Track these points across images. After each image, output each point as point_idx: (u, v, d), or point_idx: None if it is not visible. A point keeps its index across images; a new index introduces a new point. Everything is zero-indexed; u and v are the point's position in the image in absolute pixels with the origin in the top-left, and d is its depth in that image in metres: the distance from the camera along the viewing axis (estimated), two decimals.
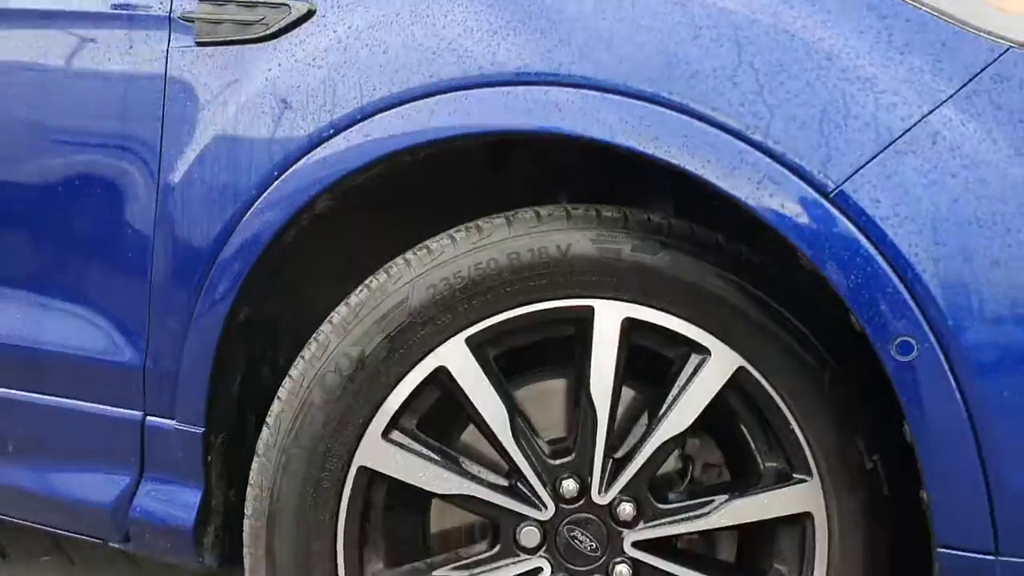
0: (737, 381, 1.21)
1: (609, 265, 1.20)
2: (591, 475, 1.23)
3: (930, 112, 1.05)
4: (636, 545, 1.24)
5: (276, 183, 1.29)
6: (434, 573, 1.25)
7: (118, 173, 1.41)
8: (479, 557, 1.25)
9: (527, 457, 1.23)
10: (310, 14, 1.29)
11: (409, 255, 1.24)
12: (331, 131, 1.26)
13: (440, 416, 1.29)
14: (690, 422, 1.22)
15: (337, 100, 1.25)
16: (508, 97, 1.17)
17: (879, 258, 1.05)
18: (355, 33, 1.26)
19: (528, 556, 1.24)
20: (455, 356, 1.22)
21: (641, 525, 1.24)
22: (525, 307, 1.22)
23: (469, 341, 1.22)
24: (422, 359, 1.22)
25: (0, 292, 1.51)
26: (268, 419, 1.25)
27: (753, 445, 1.25)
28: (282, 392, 1.25)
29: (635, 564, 1.24)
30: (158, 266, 1.38)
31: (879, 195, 1.05)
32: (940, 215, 1.04)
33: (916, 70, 1.06)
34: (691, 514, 1.23)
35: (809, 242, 1.07)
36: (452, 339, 1.22)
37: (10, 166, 1.50)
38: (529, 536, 1.24)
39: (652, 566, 1.24)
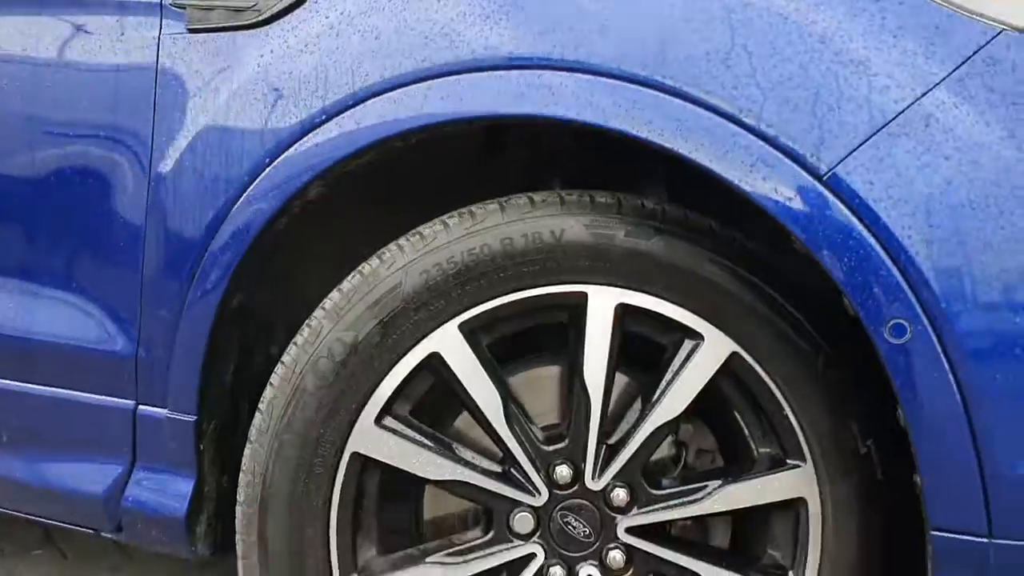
0: (730, 367, 1.21)
1: (603, 251, 1.20)
2: (584, 461, 1.23)
3: (923, 95, 1.05)
4: (630, 531, 1.24)
5: (268, 170, 1.28)
6: (427, 559, 1.25)
7: (109, 161, 1.40)
8: (472, 543, 1.25)
9: (520, 443, 1.23)
10: (302, 0, 1.28)
11: (402, 241, 1.24)
12: (323, 117, 1.25)
13: (433, 403, 1.29)
14: (683, 408, 1.22)
15: (329, 86, 1.25)
16: (501, 82, 1.16)
17: (872, 240, 1.04)
18: (347, 19, 1.25)
19: (521, 542, 1.24)
20: (448, 342, 1.22)
21: (635, 511, 1.23)
22: (518, 293, 1.22)
23: (462, 327, 1.22)
24: (415, 345, 1.22)
25: None
26: (260, 405, 1.25)
27: (746, 431, 1.25)
28: (274, 378, 1.25)
29: (628, 550, 1.24)
30: (150, 254, 1.37)
31: (872, 178, 1.05)
32: (933, 197, 1.04)
33: (909, 53, 1.06)
34: (684, 500, 1.23)
35: (802, 225, 1.07)
36: (445, 325, 1.22)
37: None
38: (522, 522, 1.24)
39: (645, 552, 1.24)
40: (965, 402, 1.03)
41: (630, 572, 1.24)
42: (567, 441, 1.24)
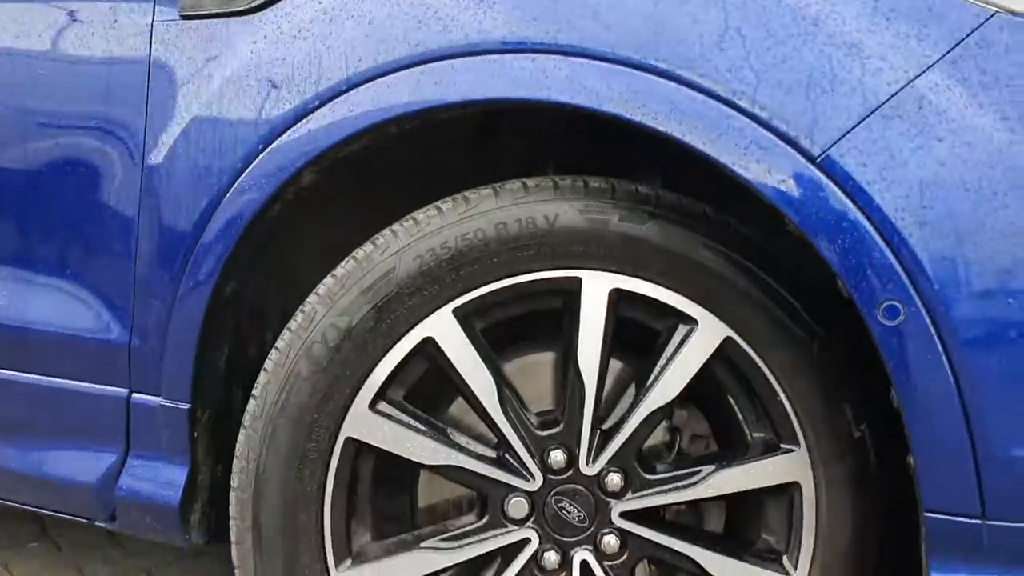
0: (724, 351, 1.21)
1: (597, 236, 1.20)
2: (579, 446, 1.23)
3: (916, 77, 1.05)
4: (624, 515, 1.24)
5: (261, 156, 1.28)
6: (422, 544, 1.25)
7: (102, 149, 1.40)
8: (467, 528, 1.25)
9: (515, 428, 1.23)
10: None
11: (396, 226, 1.24)
12: (317, 103, 1.25)
13: (428, 389, 1.29)
14: (677, 392, 1.22)
15: (323, 72, 1.25)
16: (494, 66, 1.16)
17: (865, 222, 1.05)
18: (340, 4, 1.25)
19: (516, 527, 1.24)
20: (442, 327, 1.22)
21: (629, 495, 1.23)
22: (512, 278, 1.22)
23: (456, 312, 1.22)
24: (409, 330, 1.22)
25: None
26: (254, 391, 1.25)
27: (740, 416, 1.25)
28: (268, 364, 1.24)
29: (623, 534, 1.24)
30: (143, 244, 1.37)
31: (865, 160, 1.05)
32: (926, 179, 1.04)
33: (903, 35, 1.06)
34: (679, 484, 1.23)
35: (795, 207, 1.07)
36: (439, 310, 1.22)
37: None
38: (517, 507, 1.24)
39: (640, 536, 1.24)
40: (958, 384, 1.03)
41: (624, 557, 1.24)
42: (561, 426, 1.24)
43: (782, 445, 1.22)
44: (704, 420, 1.32)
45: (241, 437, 1.25)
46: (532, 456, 1.24)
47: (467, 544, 1.24)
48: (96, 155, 1.40)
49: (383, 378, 1.22)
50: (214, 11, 1.32)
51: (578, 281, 1.22)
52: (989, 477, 1.04)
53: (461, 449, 1.24)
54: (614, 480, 1.23)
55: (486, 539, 1.24)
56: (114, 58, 1.39)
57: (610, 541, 1.24)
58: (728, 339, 1.21)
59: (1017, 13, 1.04)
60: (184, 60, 1.34)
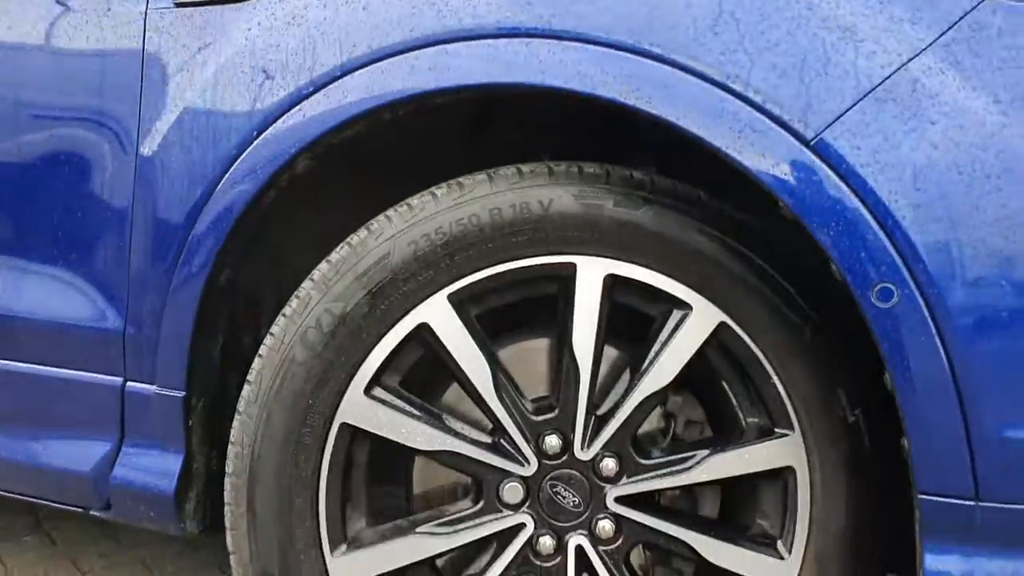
0: (718, 336, 1.22)
1: (591, 221, 1.20)
2: (574, 431, 1.23)
3: (910, 60, 1.05)
4: (619, 500, 1.24)
5: (256, 143, 1.28)
6: (417, 529, 1.25)
7: (96, 137, 1.39)
8: (462, 514, 1.25)
9: (510, 413, 1.23)
10: None
11: (390, 212, 1.24)
12: (311, 89, 1.25)
13: (422, 376, 1.29)
14: (672, 377, 1.22)
15: (317, 57, 1.25)
16: (489, 51, 1.16)
17: (859, 205, 1.05)
18: None
19: (511, 512, 1.24)
20: (437, 313, 1.22)
21: (624, 480, 1.24)
22: (507, 264, 1.22)
23: (451, 298, 1.22)
24: (404, 316, 1.22)
25: None
26: (249, 376, 1.25)
27: (735, 401, 1.26)
28: (263, 349, 1.24)
29: (618, 519, 1.24)
30: (137, 231, 1.36)
31: (859, 143, 1.05)
32: (919, 162, 1.04)
33: (896, 19, 1.06)
34: (673, 469, 1.23)
35: (789, 190, 1.07)
36: (434, 296, 1.22)
37: None
38: (512, 492, 1.24)
39: (635, 521, 1.24)
40: (952, 365, 1.04)
41: (619, 542, 1.25)
42: (556, 412, 1.24)
43: (776, 430, 1.22)
44: (699, 406, 1.32)
45: (236, 422, 1.25)
46: (527, 441, 1.24)
47: (462, 529, 1.24)
48: (90, 142, 1.40)
49: (378, 364, 1.22)
50: None
51: (573, 267, 1.22)
52: (983, 459, 1.05)
53: (456, 434, 1.24)
54: (609, 465, 1.23)
55: (481, 524, 1.24)
56: (107, 46, 1.39)
57: (605, 526, 1.24)
58: (722, 324, 1.21)
59: None
60: (178, 48, 1.34)
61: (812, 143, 1.06)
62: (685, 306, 1.21)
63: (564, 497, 1.24)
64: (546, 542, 1.24)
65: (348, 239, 1.24)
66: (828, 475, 1.21)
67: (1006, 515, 1.05)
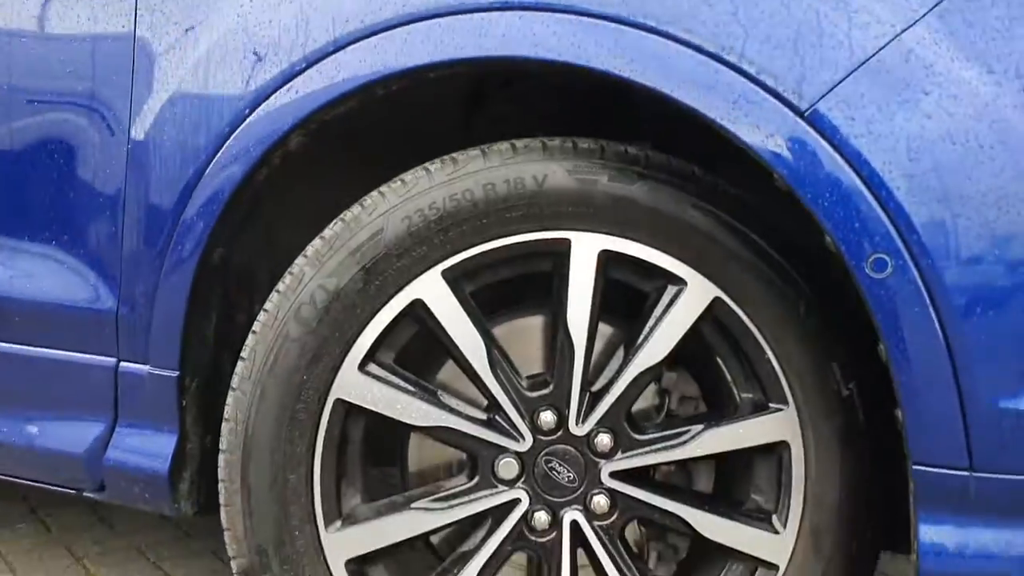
0: (713, 312, 1.22)
1: (585, 196, 1.20)
2: (568, 407, 1.23)
3: (904, 31, 1.05)
4: (614, 475, 1.24)
5: (248, 120, 1.27)
6: (412, 505, 1.24)
7: (89, 113, 1.39)
8: (457, 489, 1.25)
9: (504, 389, 1.23)
10: None
11: (384, 188, 1.23)
12: (303, 65, 1.25)
13: (417, 353, 1.29)
14: (666, 353, 1.22)
15: (310, 33, 1.24)
16: (482, 24, 1.16)
17: (853, 176, 1.05)
18: None
19: (506, 487, 1.24)
20: (431, 289, 1.22)
21: (618, 456, 1.24)
22: (501, 239, 1.22)
23: (445, 274, 1.22)
24: (398, 292, 1.22)
25: None
26: (243, 352, 1.24)
27: (729, 376, 1.26)
28: (257, 325, 1.24)
29: (612, 494, 1.24)
30: (130, 209, 1.36)
31: (853, 113, 1.05)
32: (913, 133, 1.04)
33: None
34: (668, 444, 1.23)
35: (783, 162, 1.07)
36: (428, 272, 1.22)
37: None
38: (507, 468, 1.24)
39: (630, 496, 1.24)
40: (946, 335, 1.04)
41: (614, 517, 1.24)
42: (551, 388, 1.24)
43: (771, 405, 1.22)
44: (693, 382, 1.32)
45: (230, 399, 1.24)
46: (522, 417, 1.23)
47: (457, 505, 1.24)
48: (81, 118, 1.39)
49: (372, 340, 1.22)
50: None
51: (567, 243, 1.21)
52: (976, 429, 1.05)
53: (451, 411, 1.24)
54: (604, 440, 1.23)
55: (476, 500, 1.24)
56: (98, 24, 1.38)
57: (600, 501, 1.24)
58: (717, 299, 1.21)
59: None
60: (170, 26, 1.34)
61: (806, 114, 1.06)
62: (680, 281, 1.21)
63: (559, 472, 1.24)
64: (541, 517, 1.24)
65: (342, 215, 1.23)
66: (823, 449, 1.21)
67: (1000, 485, 1.05)
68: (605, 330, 1.29)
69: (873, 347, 1.13)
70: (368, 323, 1.22)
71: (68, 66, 1.40)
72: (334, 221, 1.24)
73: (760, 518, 1.24)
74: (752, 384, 1.24)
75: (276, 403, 1.21)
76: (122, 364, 1.39)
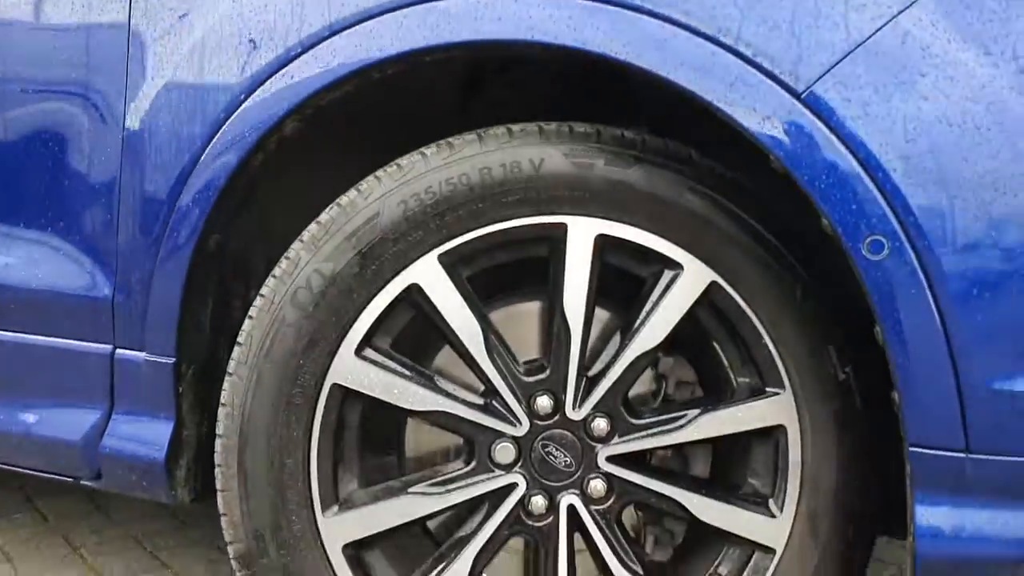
0: (709, 296, 1.21)
1: (582, 180, 1.20)
2: (565, 391, 1.23)
3: (900, 12, 1.05)
4: (610, 460, 1.24)
5: (244, 106, 1.27)
6: (409, 490, 1.24)
7: (84, 100, 1.38)
8: (454, 474, 1.25)
9: (501, 374, 1.23)
10: None
11: (380, 172, 1.23)
12: (299, 50, 1.24)
13: (414, 339, 1.29)
14: (663, 337, 1.22)
15: (305, 17, 1.24)
16: (478, 7, 1.16)
17: (850, 157, 1.05)
18: None
19: (503, 472, 1.24)
20: (428, 274, 1.21)
21: (615, 440, 1.24)
22: (498, 224, 1.22)
23: (442, 259, 1.22)
24: (394, 276, 1.21)
25: None
26: (239, 337, 1.24)
27: (725, 361, 1.26)
28: (253, 310, 1.24)
29: (609, 479, 1.24)
30: (125, 196, 1.35)
31: (849, 95, 1.05)
32: (910, 114, 1.04)
33: None
34: (664, 428, 1.23)
35: (780, 144, 1.07)
36: (424, 256, 1.21)
37: None
38: (504, 452, 1.24)
39: (626, 480, 1.24)
40: (942, 317, 1.04)
41: (611, 501, 1.25)
42: (547, 372, 1.24)
43: (767, 389, 1.22)
44: (690, 367, 1.32)
45: (226, 384, 1.24)
46: (519, 402, 1.23)
47: (454, 489, 1.24)
48: (77, 108, 1.39)
49: (369, 324, 1.22)
50: None
51: (563, 227, 1.21)
52: (973, 411, 1.05)
53: (448, 395, 1.24)
54: (600, 425, 1.23)
55: (473, 484, 1.24)
56: (93, 11, 1.38)
57: (597, 485, 1.24)
58: (713, 284, 1.21)
59: None
60: (165, 12, 1.33)
61: (803, 96, 1.06)
62: (676, 266, 1.21)
63: (556, 457, 1.24)
64: (538, 502, 1.24)
65: (338, 200, 1.23)
66: (819, 433, 1.21)
67: (996, 467, 1.06)
68: (602, 315, 1.29)
69: (869, 330, 1.13)
70: (364, 308, 1.22)
71: (63, 53, 1.40)
72: (330, 206, 1.23)
73: (757, 502, 1.24)
74: (749, 368, 1.24)
75: (273, 388, 1.21)
76: (118, 351, 1.39)
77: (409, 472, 1.31)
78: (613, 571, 1.24)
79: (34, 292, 1.44)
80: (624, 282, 1.27)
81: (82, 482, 1.49)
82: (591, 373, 1.24)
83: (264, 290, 1.23)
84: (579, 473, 1.24)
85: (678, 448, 1.30)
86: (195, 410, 1.39)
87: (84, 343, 1.42)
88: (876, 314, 1.07)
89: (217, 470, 1.24)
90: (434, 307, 1.22)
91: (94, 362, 1.41)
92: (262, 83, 1.26)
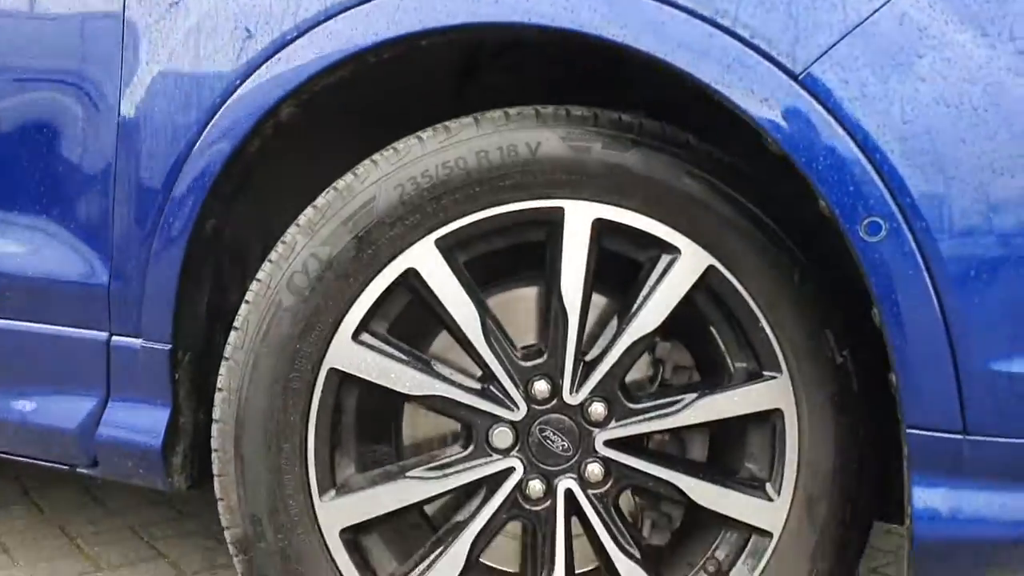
0: (707, 280, 1.21)
1: (579, 164, 1.19)
2: (562, 376, 1.23)
3: None
4: (608, 444, 1.24)
5: (239, 91, 1.27)
6: (407, 474, 1.24)
7: (78, 85, 1.38)
8: (452, 458, 1.25)
9: (498, 358, 1.23)
10: None
11: (376, 156, 1.23)
12: (295, 34, 1.24)
13: (410, 325, 1.28)
14: (660, 321, 1.22)
15: (301, 1, 1.23)
16: None
17: (847, 139, 1.05)
18: None
19: (500, 456, 1.24)
20: (425, 258, 1.21)
21: (612, 424, 1.23)
22: (494, 208, 1.21)
23: (439, 243, 1.21)
24: (391, 261, 1.21)
25: None
26: (236, 322, 1.24)
27: (723, 345, 1.26)
28: (250, 295, 1.23)
29: (607, 463, 1.24)
30: (121, 181, 1.35)
31: (847, 76, 1.05)
32: (907, 96, 1.04)
33: None
34: (661, 412, 1.23)
35: (777, 125, 1.07)
36: (421, 240, 1.21)
37: None
38: (501, 437, 1.23)
39: (624, 464, 1.24)
40: (940, 299, 1.04)
41: (609, 485, 1.24)
42: (545, 357, 1.23)
43: (764, 373, 1.22)
44: (687, 352, 1.32)
45: (223, 369, 1.24)
46: (516, 386, 1.23)
47: (452, 474, 1.24)
48: (72, 93, 1.38)
49: (366, 309, 1.22)
50: None
51: (561, 211, 1.21)
52: (970, 392, 1.05)
53: (445, 380, 1.24)
54: (597, 409, 1.23)
55: (471, 468, 1.24)
56: None
57: (594, 470, 1.24)
58: (711, 268, 1.21)
59: None
60: None
61: (800, 77, 1.06)
62: (673, 250, 1.21)
63: (553, 441, 1.24)
64: (535, 486, 1.24)
65: (334, 184, 1.23)
66: (816, 417, 1.21)
67: (993, 448, 1.06)
68: (599, 301, 1.28)
69: (867, 313, 1.13)
70: (361, 292, 1.21)
71: (58, 38, 1.39)
72: (327, 190, 1.23)
73: (754, 486, 1.24)
74: (746, 353, 1.24)
75: (269, 373, 1.21)
76: (114, 338, 1.39)
77: (406, 457, 1.31)
78: (611, 555, 1.24)
79: (30, 279, 1.44)
80: (621, 267, 1.26)
81: (78, 470, 1.49)
82: (588, 358, 1.24)
83: (260, 275, 1.23)
84: (576, 457, 1.24)
85: (675, 433, 1.30)
86: (192, 397, 1.39)
87: (80, 330, 1.41)
88: (874, 296, 1.07)
89: (214, 455, 1.24)
90: (431, 291, 1.22)
91: (90, 349, 1.40)
92: (258, 68, 1.26)
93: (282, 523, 1.22)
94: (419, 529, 1.31)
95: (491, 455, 1.24)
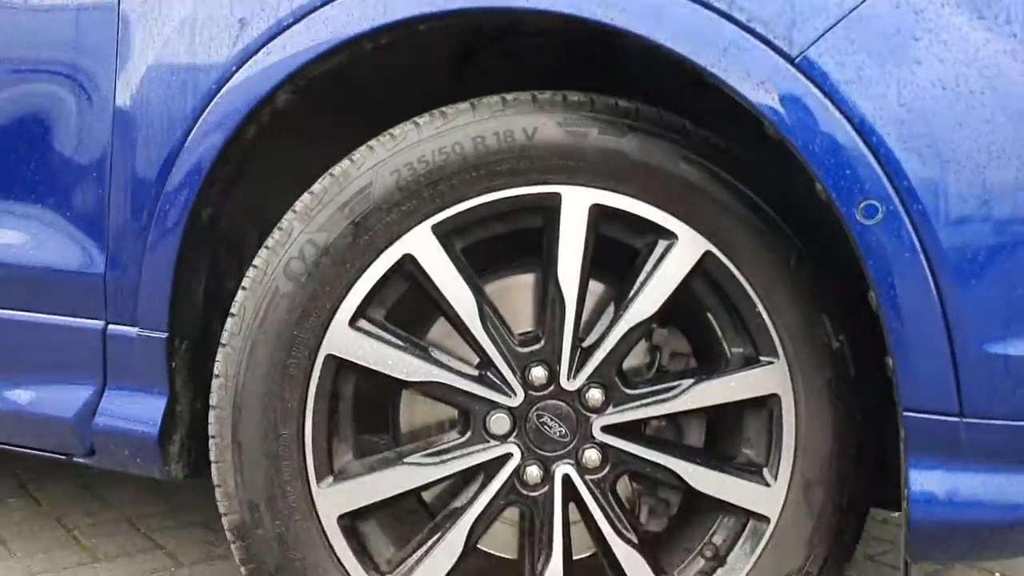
0: (704, 266, 1.21)
1: (576, 149, 1.19)
2: (559, 362, 1.23)
3: None
4: (605, 430, 1.24)
5: (235, 77, 1.26)
6: (404, 460, 1.24)
7: (73, 75, 1.37)
8: (449, 444, 1.25)
9: (496, 344, 1.23)
10: None
11: (373, 142, 1.22)
12: (291, 20, 1.24)
13: (407, 312, 1.28)
14: (657, 307, 1.22)
15: None
16: None
17: (843, 122, 1.05)
18: None
19: (498, 442, 1.24)
20: (422, 244, 1.21)
21: (610, 410, 1.23)
22: (491, 194, 1.21)
23: (436, 229, 1.21)
24: (388, 246, 1.21)
25: None
26: (233, 308, 1.23)
27: (719, 331, 1.26)
28: (246, 281, 1.23)
29: (604, 448, 1.24)
30: (116, 170, 1.35)
31: (843, 60, 1.05)
32: (904, 79, 1.04)
33: None
34: (658, 398, 1.23)
35: (774, 109, 1.07)
36: (418, 226, 1.21)
37: None
38: (499, 423, 1.23)
39: (621, 450, 1.24)
40: (936, 281, 1.04)
41: (606, 471, 1.25)
42: (542, 343, 1.24)
43: (761, 358, 1.22)
44: (683, 338, 1.32)
45: (220, 355, 1.23)
46: (513, 372, 1.23)
47: (449, 460, 1.24)
48: (67, 83, 1.38)
49: (363, 295, 1.22)
50: None
51: (557, 197, 1.21)
52: (967, 375, 1.05)
53: (442, 366, 1.24)
54: (595, 395, 1.23)
55: (468, 454, 1.24)
56: None
57: (591, 455, 1.24)
58: (708, 253, 1.21)
59: None
60: None
61: (796, 61, 1.06)
62: (670, 235, 1.21)
63: (550, 427, 1.24)
64: (533, 472, 1.24)
65: (331, 169, 1.23)
66: (813, 402, 1.21)
67: (989, 431, 1.06)
68: (596, 287, 1.28)
69: (863, 297, 1.13)
70: (358, 278, 1.21)
71: (53, 28, 1.39)
72: (323, 176, 1.23)
73: (751, 471, 1.25)
74: (742, 338, 1.24)
75: (266, 359, 1.21)
76: (110, 327, 1.38)
77: (404, 443, 1.31)
78: (608, 541, 1.24)
79: (26, 268, 1.43)
80: (618, 253, 1.26)
81: (75, 459, 1.48)
82: (586, 344, 1.24)
83: (257, 261, 1.23)
84: (574, 443, 1.24)
85: (672, 418, 1.30)
86: (188, 385, 1.38)
87: (76, 319, 1.41)
88: (870, 280, 1.07)
89: (211, 442, 1.24)
90: (428, 277, 1.22)
91: (86, 338, 1.40)
92: (253, 55, 1.25)
93: (280, 509, 1.22)
94: (417, 515, 1.31)
95: (488, 441, 1.24)
